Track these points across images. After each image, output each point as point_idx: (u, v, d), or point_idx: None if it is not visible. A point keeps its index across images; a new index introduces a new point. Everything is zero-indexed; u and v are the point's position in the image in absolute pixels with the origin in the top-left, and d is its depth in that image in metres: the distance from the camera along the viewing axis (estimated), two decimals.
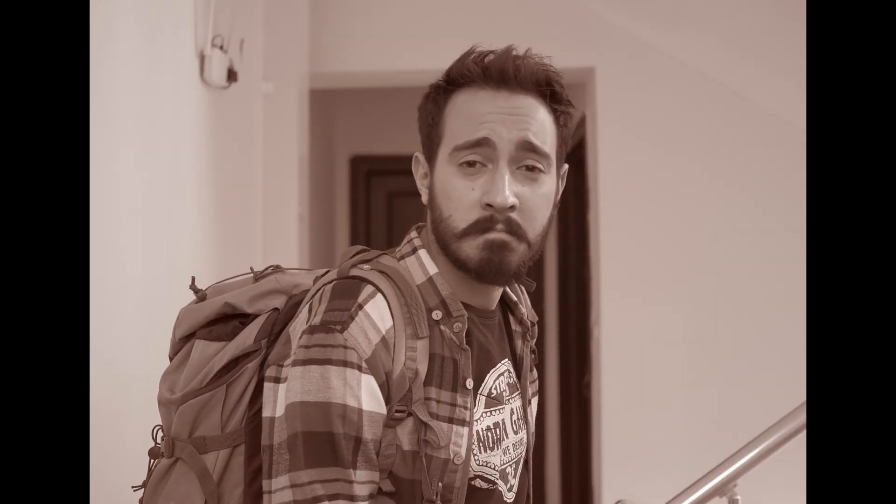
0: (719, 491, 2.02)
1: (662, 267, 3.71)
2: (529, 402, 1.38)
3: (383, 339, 1.17)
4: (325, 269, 1.33)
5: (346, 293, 1.19)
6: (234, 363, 1.25)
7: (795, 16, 3.17)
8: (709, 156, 3.71)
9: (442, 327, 1.23)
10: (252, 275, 1.38)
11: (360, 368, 1.15)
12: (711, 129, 3.71)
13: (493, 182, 1.20)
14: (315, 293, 1.22)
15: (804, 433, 2.01)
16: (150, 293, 2.14)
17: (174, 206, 2.32)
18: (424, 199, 1.29)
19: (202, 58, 2.52)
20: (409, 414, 1.18)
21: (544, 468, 5.21)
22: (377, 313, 1.18)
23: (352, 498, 1.12)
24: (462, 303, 1.25)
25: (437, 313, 1.23)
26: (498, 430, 1.29)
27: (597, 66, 3.71)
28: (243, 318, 1.29)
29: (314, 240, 4.18)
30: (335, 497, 1.12)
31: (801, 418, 2.04)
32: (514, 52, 1.26)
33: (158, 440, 1.33)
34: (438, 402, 1.20)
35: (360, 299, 1.18)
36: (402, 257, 1.28)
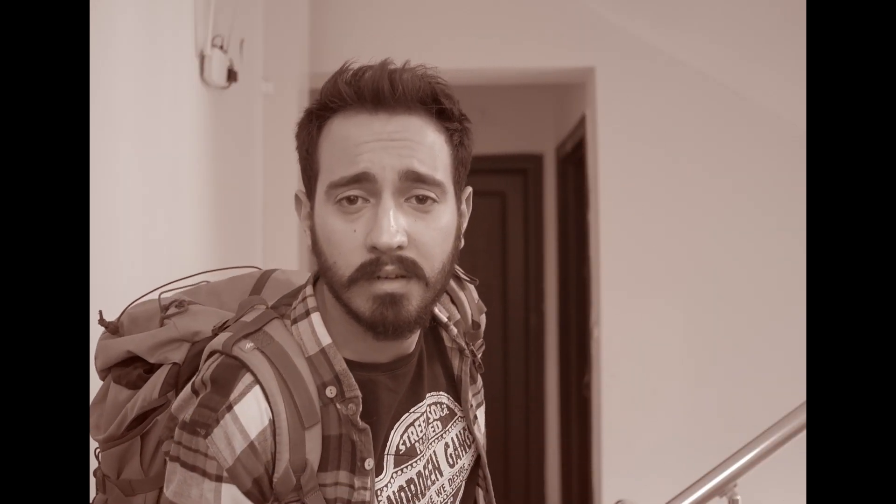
0: (719, 491, 2.02)
1: (662, 267, 3.71)
2: (475, 418, 1.28)
3: (251, 445, 1.06)
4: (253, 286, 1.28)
5: (221, 385, 1.07)
6: (144, 415, 1.19)
7: (795, 16, 3.17)
8: (709, 156, 3.71)
9: (337, 405, 1.11)
10: (162, 293, 1.31)
11: (219, 479, 1.05)
12: (711, 129, 3.71)
13: (376, 220, 1.05)
14: (203, 360, 1.12)
15: (804, 433, 2.01)
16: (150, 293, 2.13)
17: (174, 206, 2.32)
18: (309, 240, 1.13)
19: (202, 58, 2.52)
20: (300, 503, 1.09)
21: (544, 468, 5.22)
22: (249, 414, 1.06)
23: None
24: (367, 363, 1.14)
25: (332, 390, 1.11)
26: (414, 485, 1.19)
27: (597, 66, 3.72)
28: (149, 366, 1.21)
29: None
30: None
31: (801, 418, 2.04)
32: (390, 67, 1.11)
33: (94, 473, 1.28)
34: (337, 484, 1.11)
35: (231, 397, 1.06)
36: (295, 321, 1.14)
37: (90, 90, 1.69)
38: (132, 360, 1.22)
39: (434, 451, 1.22)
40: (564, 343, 4.97)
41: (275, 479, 1.07)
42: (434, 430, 1.22)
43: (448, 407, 1.25)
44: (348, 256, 1.07)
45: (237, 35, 2.83)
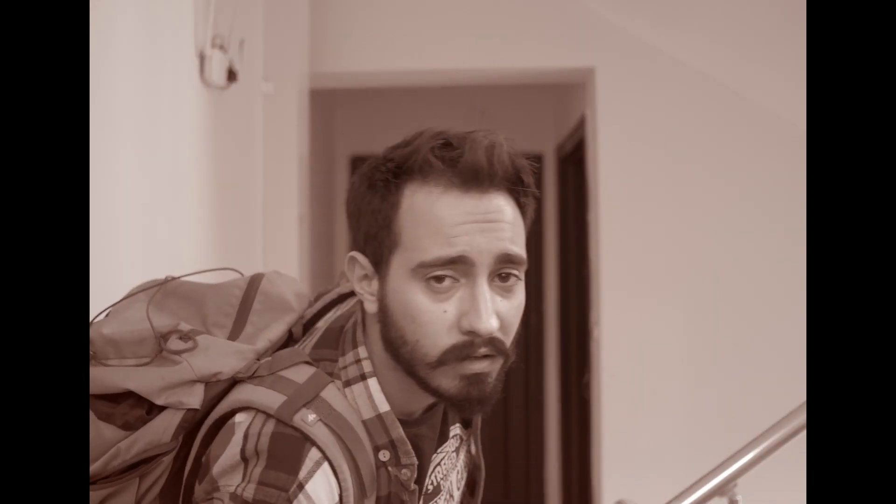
0: (719, 491, 2.02)
1: (662, 267, 3.71)
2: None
3: None
4: (310, 309, 1.20)
5: (286, 462, 1.00)
6: (149, 459, 1.09)
7: (795, 16, 3.17)
8: (709, 155, 3.71)
9: (389, 468, 1.08)
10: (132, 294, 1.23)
11: None
12: (711, 129, 3.71)
13: (472, 303, 1.03)
14: (247, 435, 1.03)
15: (804, 433, 2.01)
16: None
17: (174, 207, 2.32)
18: (371, 308, 1.07)
19: (202, 58, 2.52)
20: None
21: (544, 468, 5.22)
22: (320, 494, 1.02)
23: None
24: (408, 419, 1.12)
25: (385, 454, 1.08)
26: None
27: (597, 66, 3.72)
28: (146, 401, 1.10)
29: (314, 240, 4.18)
30: None
31: (801, 418, 2.04)
32: (485, 143, 1.04)
33: None
34: None
35: (301, 475, 1.00)
36: (349, 383, 1.10)
37: (90, 90, 1.69)
38: (124, 396, 1.10)
39: (450, 481, 1.21)
40: (564, 343, 4.97)
41: None
42: (452, 462, 1.22)
43: (460, 436, 1.23)
44: (436, 337, 1.03)
45: (237, 35, 2.83)
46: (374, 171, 1.06)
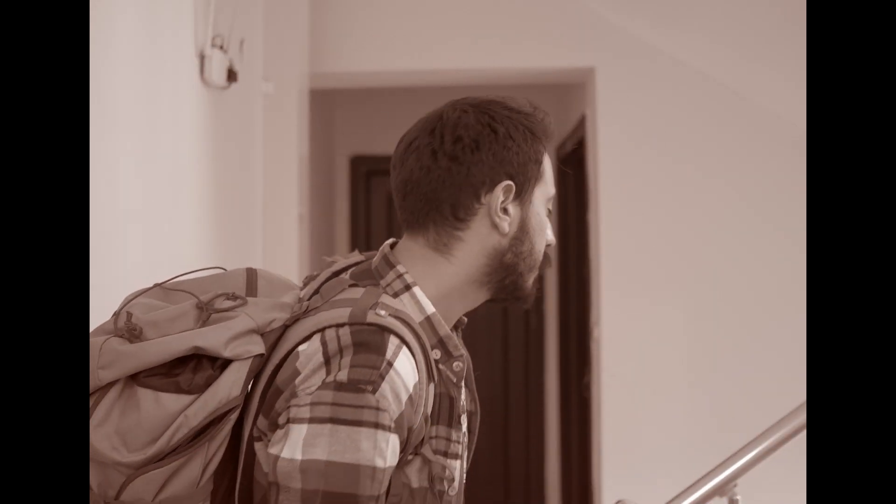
0: (719, 491, 2.02)
1: (662, 266, 3.71)
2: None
3: (410, 398, 1.13)
4: (312, 283, 1.25)
5: (372, 346, 1.11)
6: (218, 419, 1.12)
7: (795, 16, 3.17)
8: (708, 155, 3.71)
9: (441, 366, 1.20)
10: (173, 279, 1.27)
11: (389, 429, 1.11)
12: (711, 129, 3.71)
13: (550, 227, 1.31)
14: (325, 342, 1.12)
15: (804, 433, 2.01)
16: None
17: (174, 207, 2.32)
18: (506, 228, 1.22)
19: (202, 58, 2.52)
20: (417, 454, 1.17)
21: (544, 468, 5.22)
22: (405, 370, 1.12)
23: None
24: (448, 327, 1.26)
25: (436, 353, 1.20)
26: (467, 437, 1.29)
27: (597, 66, 3.71)
28: (208, 362, 1.14)
29: (314, 240, 4.18)
30: None
31: (801, 418, 2.04)
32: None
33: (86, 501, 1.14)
34: (436, 437, 1.20)
35: (388, 355, 1.11)
36: (396, 294, 1.21)
37: (90, 90, 1.69)
38: (182, 365, 1.14)
39: (462, 403, 1.30)
40: (564, 343, 4.97)
41: (413, 431, 1.15)
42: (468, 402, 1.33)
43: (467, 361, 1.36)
44: (542, 247, 1.28)
45: (237, 35, 2.83)
46: (525, 123, 1.24)
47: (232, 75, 2.68)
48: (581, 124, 4.10)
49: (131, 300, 1.27)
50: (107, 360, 1.15)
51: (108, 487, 1.14)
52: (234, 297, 1.20)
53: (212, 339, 1.13)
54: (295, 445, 1.09)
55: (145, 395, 1.12)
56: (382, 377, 1.10)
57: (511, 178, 1.22)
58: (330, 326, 1.12)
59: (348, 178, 5.50)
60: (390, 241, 1.28)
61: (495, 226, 1.22)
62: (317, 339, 1.12)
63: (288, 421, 1.10)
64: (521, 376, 5.24)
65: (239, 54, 2.86)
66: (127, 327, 1.18)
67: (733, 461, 2.03)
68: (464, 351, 1.25)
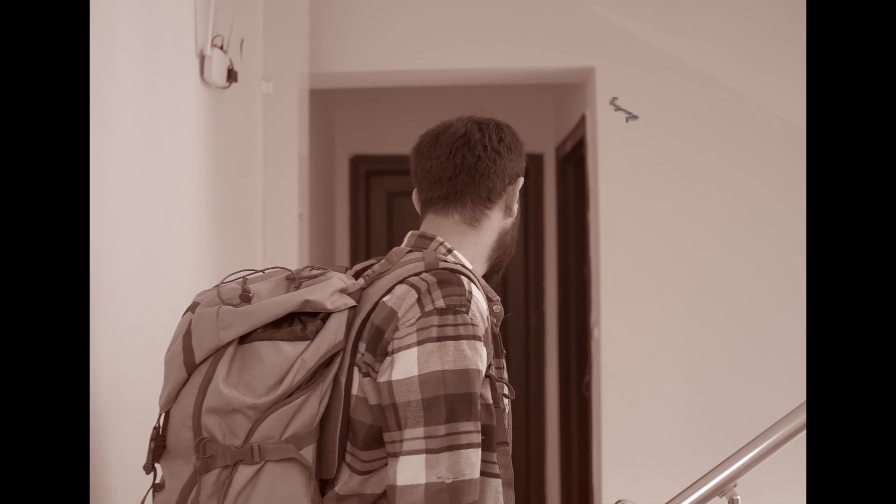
0: (719, 491, 2.02)
1: (662, 266, 3.71)
2: None
3: (486, 318, 1.43)
4: (363, 267, 1.50)
5: (453, 281, 1.40)
6: (327, 361, 1.35)
7: (795, 16, 3.17)
8: (708, 155, 3.71)
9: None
10: (258, 273, 1.48)
11: (481, 340, 1.38)
12: (711, 129, 3.71)
13: None
14: (413, 286, 1.39)
15: (804, 433, 2.01)
16: (150, 293, 2.14)
17: (174, 206, 2.32)
18: (514, 212, 1.58)
19: (202, 58, 2.52)
20: (486, 375, 1.41)
21: (544, 468, 5.22)
22: (479, 298, 1.43)
23: (477, 445, 1.35)
24: None
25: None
26: None
27: (597, 66, 3.71)
28: (312, 317, 1.37)
29: (314, 240, 4.18)
30: (469, 445, 1.34)
31: (801, 418, 2.04)
32: None
33: (204, 451, 1.32)
34: (493, 366, 1.45)
35: (466, 287, 1.40)
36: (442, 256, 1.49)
37: (90, 90, 1.70)
38: (290, 319, 1.36)
39: None
40: (564, 343, 4.97)
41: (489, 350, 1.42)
42: None
43: None
44: (516, 233, 1.60)
45: (237, 35, 2.83)
46: (519, 140, 1.59)
47: (232, 75, 2.68)
48: (581, 124, 4.10)
49: (219, 285, 1.45)
50: (226, 321, 1.35)
51: (233, 435, 1.32)
52: (316, 268, 1.45)
53: (318, 295, 1.36)
54: (409, 366, 1.34)
55: (265, 346, 1.34)
56: (469, 301, 1.39)
57: (523, 177, 1.57)
58: (410, 276, 1.40)
59: (348, 178, 5.50)
60: (413, 232, 1.56)
61: (509, 210, 1.56)
62: (401, 287, 1.39)
63: (393, 351, 1.36)
64: (522, 376, 5.24)
65: (239, 54, 2.86)
66: (243, 293, 1.38)
67: (733, 461, 2.02)
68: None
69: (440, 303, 1.37)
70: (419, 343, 1.35)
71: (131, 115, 2.03)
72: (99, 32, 1.82)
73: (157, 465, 1.44)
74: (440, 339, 1.35)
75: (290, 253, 3.26)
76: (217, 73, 2.57)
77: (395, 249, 1.49)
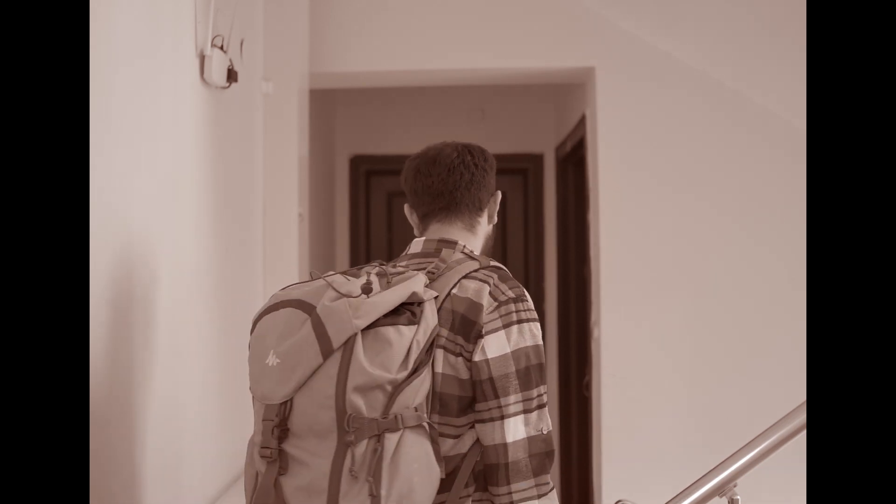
0: (719, 491, 2.02)
1: (662, 266, 3.71)
2: None
3: None
4: (428, 266, 1.74)
5: (510, 276, 1.72)
6: (432, 341, 1.62)
7: (795, 15, 3.18)
8: (708, 155, 3.71)
9: None
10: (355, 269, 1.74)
11: (538, 321, 1.71)
12: (711, 129, 3.71)
13: None
14: (480, 280, 1.68)
15: (804, 433, 2.01)
16: (150, 293, 2.14)
17: (174, 206, 2.32)
18: (495, 220, 1.88)
19: (202, 58, 2.52)
20: None
21: None
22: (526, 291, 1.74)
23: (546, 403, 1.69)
24: None
25: None
26: None
27: (597, 66, 3.72)
28: (411, 305, 1.60)
29: (314, 239, 4.18)
30: (546, 404, 1.66)
31: (801, 418, 2.04)
32: None
33: (350, 425, 1.50)
34: None
35: (516, 282, 1.72)
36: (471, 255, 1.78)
37: (90, 90, 1.70)
38: (397, 310, 1.58)
39: None
40: (564, 343, 4.97)
41: None
42: None
43: None
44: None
45: (237, 35, 2.83)
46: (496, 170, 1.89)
47: (232, 75, 2.68)
48: (581, 124, 4.10)
49: (319, 277, 1.66)
50: (359, 312, 1.53)
51: (373, 409, 1.51)
52: (392, 265, 1.72)
53: (417, 288, 1.60)
54: (501, 346, 1.63)
55: (389, 331, 1.54)
56: (525, 292, 1.70)
57: (499, 192, 1.89)
58: (471, 272, 1.69)
59: (348, 177, 5.50)
60: (428, 238, 1.80)
61: (491, 218, 1.87)
62: (470, 282, 1.68)
63: (485, 334, 1.62)
64: None
65: (239, 54, 2.86)
66: (366, 286, 1.57)
67: (733, 461, 2.03)
68: None
69: (510, 293, 1.67)
70: (505, 327, 1.64)
71: (131, 115, 2.03)
72: (99, 32, 1.82)
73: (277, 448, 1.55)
74: (519, 322, 1.65)
75: (290, 253, 3.26)
76: (217, 73, 2.57)
77: (444, 253, 1.75)
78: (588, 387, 4.13)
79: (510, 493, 1.60)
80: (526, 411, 1.62)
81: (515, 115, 5.42)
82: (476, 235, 1.83)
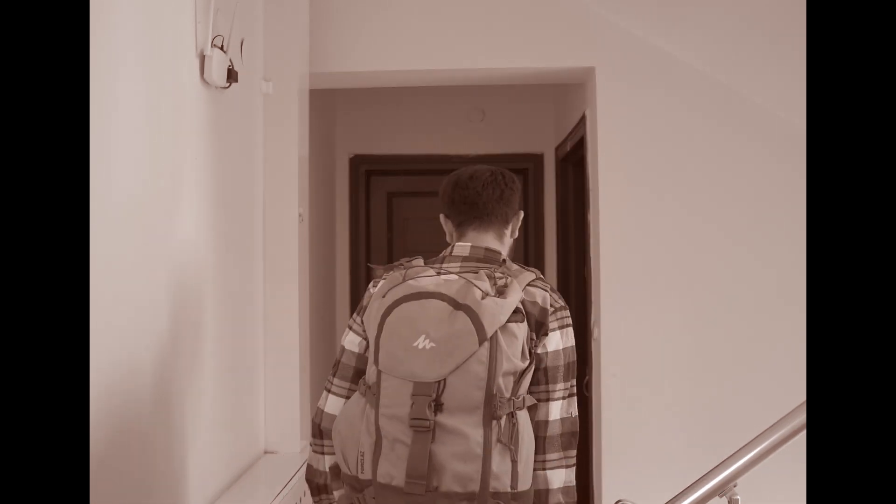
0: (719, 491, 2.02)
1: (662, 266, 3.71)
2: None
3: None
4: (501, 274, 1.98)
5: (556, 288, 2.03)
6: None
7: (796, 15, 3.18)
8: (709, 155, 3.71)
9: None
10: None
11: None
12: (711, 129, 3.71)
13: None
14: (542, 290, 1.96)
15: (804, 433, 2.01)
16: (150, 292, 2.14)
17: (174, 206, 2.32)
18: (516, 233, 2.13)
19: (202, 58, 2.52)
20: None
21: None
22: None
23: None
24: None
25: None
26: None
27: (597, 66, 3.72)
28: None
29: (314, 240, 4.18)
30: (575, 394, 1.97)
31: (801, 418, 2.04)
32: None
33: (492, 403, 1.81)
34: None
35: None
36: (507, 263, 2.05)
37: (90, 90, 1.70)
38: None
39: None
40: None
41: None
42: None
43: None
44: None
45: (237, 35, 2.83)
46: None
47: (232, 75, 2.68)
48: (581, 124, 4.10)
49: (420, 274, 1.94)
50: (504, 310, 1.84)
51: (508, 391, 1.83)
52: (439, 262, 2.03)
53: (519, 297, 1.90)
54: (557, 342, 1.93)
55: (514, 328, 1.85)
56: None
57: (522, 210, 2.14)
58: (532, 280, 1.95)
59: (348, 178, 5.50)
60: (474, 245, 2.05)
61: (513, 232, 2.12)
62: (534, 290, 1.94)
63: (548, 332, 1.92)
64: None
65: (239, 54, 2.86)
66: (500, 289, 1.88)
67: (733, 461, 2.03)
68: None
69: (561, 303, 1.98)
70: (560, 328, 1.95)
71: (131, 115, 2.03)
72: (99, 33, 1.82)
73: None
74: (566, 326, 1.96)
75: (290, 253, 3.26)
76: (217, 73, 2.57)
77: (507, 263, 2.04)
78: (588, 386, 4.13)
79: (544, 461, 1.92)
80: (564, 398, 1.94)
81: (515, 115, 5.42)
82: (504, 245, 2.09)
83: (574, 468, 1.99)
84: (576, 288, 4.69)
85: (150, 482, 2.13)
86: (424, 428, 1.77)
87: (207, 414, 2.56)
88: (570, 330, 1.98)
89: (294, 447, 3.21)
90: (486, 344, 1.79)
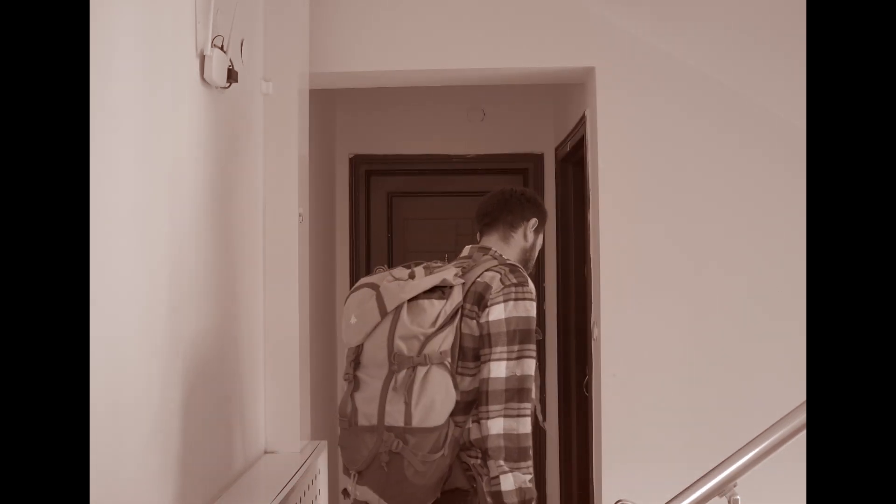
0: (719, 491, 2.02)
1: (662, 266, 3.71)
2: None
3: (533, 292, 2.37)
4: (463, 267, 2.39)
5: (517, 270, 2.37)
6: (455, 311, 2.27)
7: (796, 15, 3.18)
8: (709, 155, 3.71)
9: None
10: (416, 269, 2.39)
11: (534, 300, 2.33)
12: (711, 129, 3.71)
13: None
14: (496, 272, 2.33)
15: (804, 433, 2.01)
16: (150, 292, 2.14)
17: (174, 206, 2.32)
18: (528, 240, 2.61)
19: (202, 58, 2.52)
20: None
21: (544, 468, 5.22)
22: (530, 282, 2.38)
23: (534, 357, 2.30)
24: None
25: None
26: None
27: (597, 66, 3.72)
28: (442, 288, 2.28)
29: (314, 240, 4.18)
30: (531, 357, 2.29)
31: (801, 418, 2.04)
32: None
33: (394, 360, 2.22)
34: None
35: (522, 271, 2.39)
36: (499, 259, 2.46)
37: (90, 90, 1.70)
38: (432, 288, 2.28)
39: None
40: (564, 343, 4.97)
41: None
42: None
43: None
44: (534, 257, 2.67)
45: (237, 35, 2.83)
46: (539, 206, 2.66)
47: (232, 75, 2.68)
48: (581, 124, 4.10)
49: (379, 273, 2.39)
50: (406, 289, 2.25)
51: (410, 351, 2.21)
52: (436, 262, 2.40)
53: (447, 276, 2.29)
54: (499, 313, 2.28)
55: (426, 303, 2.25)
56: (528, 280, 2.35)
57: (535, 221, 2.60)
58: (490, 267, 2.35)
59: (348, 178, 5.50)
60: (474, 245, 2.55)
61: (525, 238, 2.58)
62: (488, 273, 2.33)
63: (489, 305, 2.28)
64: None
65: (239, 54, 2.86)
66: (411, 275, 2.30)
67: (733, 461, 2.03)
68: None
69: (513, 280, 2.32)
70: (504, 301, 2.29)
71: (131, 115, 2.03)
72: (99, 32, 1.82)
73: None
74: (515, 299, 2.29)
75: (290, 253, 3.26)
76: (217, 73, 2.57)
77: (475, 255, 2.47)
78: (588, 387, 4.13)
79: (487, 411, 2.26)
80: (508, 359, 2.27)
81: (515, 115, 5.42)
82: (510, 246, 2.55)
83: (524, 420, 2.30)
84: (576, 288, 4.69)
85: (150, 482, 2.13)
86: (349, 380, 2.30)
87: (207, 414, 2.56)
88: (524, 302, 2.30)
89: (294, 447, 3.21)
90: (390, 316, 2.24)
